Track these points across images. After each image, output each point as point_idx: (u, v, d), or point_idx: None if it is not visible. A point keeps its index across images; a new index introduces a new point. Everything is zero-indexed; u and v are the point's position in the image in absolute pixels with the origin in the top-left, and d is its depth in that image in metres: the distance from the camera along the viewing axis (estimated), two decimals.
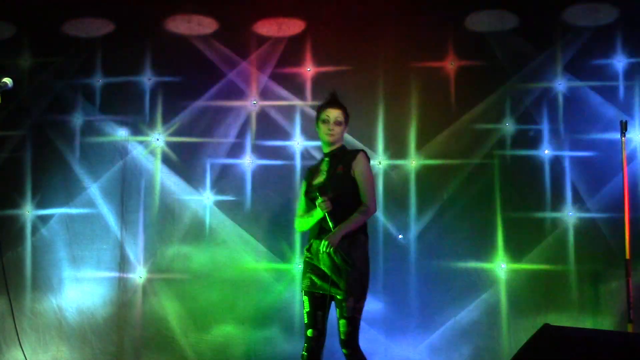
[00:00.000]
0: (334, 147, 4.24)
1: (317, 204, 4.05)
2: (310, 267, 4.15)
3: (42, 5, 5.74)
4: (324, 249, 3.97)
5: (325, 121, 4.19)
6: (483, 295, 5.41)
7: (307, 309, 4.11)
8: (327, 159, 4.25)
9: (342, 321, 4.02)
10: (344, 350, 4.04)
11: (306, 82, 5.67)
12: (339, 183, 4.13)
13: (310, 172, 4.34)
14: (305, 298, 4.14)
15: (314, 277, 4.11)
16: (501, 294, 5.41)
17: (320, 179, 4.21)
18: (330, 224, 4.04)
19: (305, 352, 4.06)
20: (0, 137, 5.64)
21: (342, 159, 4.19)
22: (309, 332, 4.07)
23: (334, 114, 4.19)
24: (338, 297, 4.04)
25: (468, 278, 5.41)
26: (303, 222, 4.26)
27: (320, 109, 4.26)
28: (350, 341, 4.02)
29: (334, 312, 4.16)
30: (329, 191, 4.07)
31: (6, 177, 5.63)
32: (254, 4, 5.71)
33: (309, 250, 4.19)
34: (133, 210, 5.60)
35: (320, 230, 4.13)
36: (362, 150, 4.25)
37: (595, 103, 5.47)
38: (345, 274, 4.04)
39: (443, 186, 5.49)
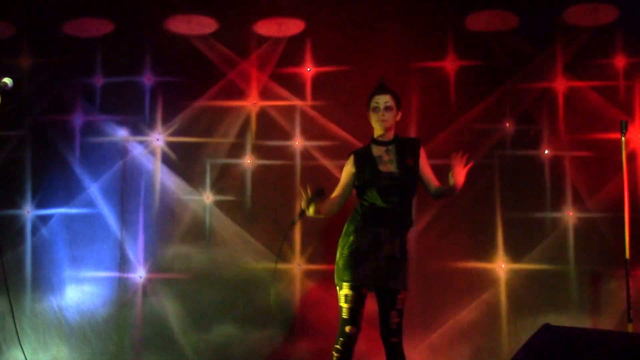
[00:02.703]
0: (391, 136, 4.19)
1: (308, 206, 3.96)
2: (363, 259, 3.99)
3: (42, 5, 5.74)
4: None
5: (375, 109, 4.15)
6: (483, 295, 5.41)
7: (350, 304, 3.95)
8: (387, 147, 4.16)
9: (394, 312, 3.99)
10: (393, 340, 3.99)
11: (306, 82, 5.67)
12: (410, 176, 4.12)
13: (364, 159, 4.15)
14: (351, 293, 3.96)
15: (366, 272, 3.98)
16: (501, 294, 5.41)
17: (389, 167, 4.11)
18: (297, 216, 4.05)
19: (341, 346, 3.94)
20: (0, 137, 5.63)
21: (407, 149, 4.17)
22: (348, 329, 3.94)
23: (383, 99, 4.14)
24: (394, 289, 4.00)
25: (468, 278, 5.42)
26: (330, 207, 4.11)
27: (369, 98, 4.20)
28: (399, 330, 4.01)
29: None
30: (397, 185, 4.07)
31: (6, 177, 5.63)
32: (254, 4, 5.71)
33: (370, 240, 4.01)
34: (133, 210, 5.60)
35: (386, 218, 4.03)
36: (420, 140, 4.29)
37: (595, 103, 5.47)
38: (402, 266, 4.04)
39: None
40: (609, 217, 5.32)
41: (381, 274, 3.99)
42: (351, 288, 3.97)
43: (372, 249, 4.00)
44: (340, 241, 4.11)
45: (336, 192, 4.18)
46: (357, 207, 4.15)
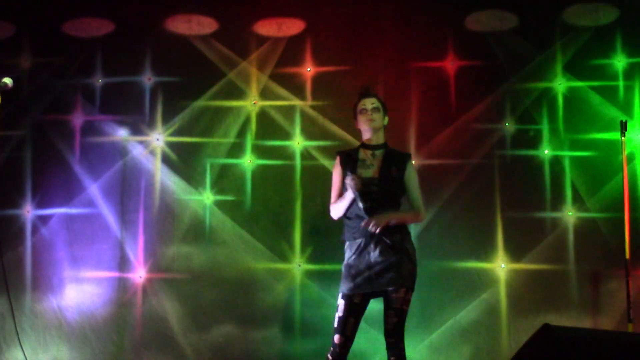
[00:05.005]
0: (379, 140, 4.19)
1: (346, 182, 3.98)
2: (354, 270, 4.04)
3: (42, 5, 5.74)
4: (370, 228, 3.93)
5: (362, 111, 4.17)
6: (483, 295, 5.41)
7: (340, 313, 4.02)
8: (376, 152, 4.17)
9: (390, 312, 4.01)
10: (388, 339, 4.00)
11: (306, 82, 5.67)
12: (392, 185, 4.12)
13: (349, 159, 4.17)
14: (342, 302, 4.02)
15: (357, 281, 4.02)
16: (501, 294, 5.41)
17: (368, 172, 4.12)
18: (360, 203, 3.97)
19: (331, 355, 4.02)
20: (0, 137, 5.63)
21: (394, 159, 4.17)
22: (337, 338, 4.00)
23: (369, 101, 4.18)
24: (388, 288, 4.01)
25: (468, 278, 5.42)
26: (337, 208, 4.14)
27: (355, 104, 4.22)
28: (396, 331, 4.01)
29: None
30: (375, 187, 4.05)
31: (6, 177, 5.63)
32: (254, 4, 5.71)
33: (356, 252, 4.04)
34: (133, 210, 5.60)
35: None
36: (410, 155, 4.28)
37: (595, 103, 5.47)
38: (398, 266, 4.02)
39: (443, 186, 5.49)
40: (609, 217, 5.32)
41: (374, 277, 4.01)
42: (342, 297, 4.04)
43: (361, 258, 4.04)
44: None
45: (336, 197, 4.20)
46: (344, 220, 4.17)
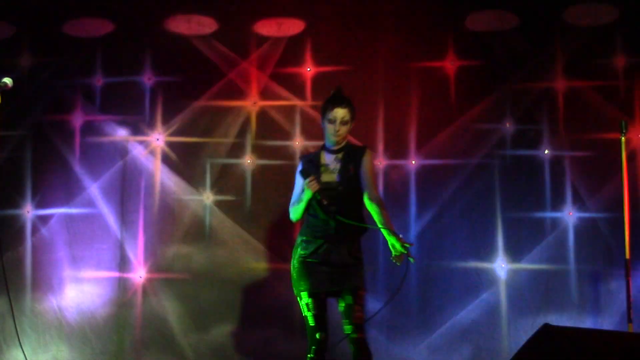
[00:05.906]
0: (341, 145, 4.19)
1: (305, 184, 4.03)
2: (313, 267, 4.08)
3: (42, 5, 5.74)
4: (405, 250, 3.97)
5: (331, 121, 4.13)
6: (483, 295, 5.41)
7: (313, 311, 4.04)
8: (337, 156, 4.18)
9: (357, 307, 4.05)
10: (358, 335, 4.03)
11: (306, 82, 5.67)
12: (350, 184, 4.14)
13: (310, 164, 4.20)
14: (310, 300, 4.05)
15: (320, 278, 4.06)
16: (501, 294, 5.41)
17: (331, 177, 4.14)
18: (324, 201, 4.02)
19: (314, 354, 4.03)
20: (0, 137, 5.63)
21: (351, 157, 4.17)
22: (318, 335, 4.02)
23: (340, 113, 4.12)
24: (354, 286, 4.07)
25: (468, 278, 5.42)
26: (296, 210, 4.18)
27: (326, 107, 4.17)
28: (363, 326, 4.07)
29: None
30: (339, 188, 4.09)
31: (6, 177, 5.63)
32: (254, 4, 5.72)
33: (316, 251, 4.08)
34: (133, 210, 5.60)
35: (327, 228, 4.07)
36: (367, 148, 4.26)
37: (595, 103, 5.47)
38: (358, 267, 4.13)
39: (443, 186, 5.49)
40: (609, 217, 5.32)
41: (336, 276, 4.06)
42: (310, 296, 4.06)
43: (322, 258, 4.08)
44: (292, 253, 4.19)
45: (295, 198, 4.23)
46: (306, 217, 4.20)
